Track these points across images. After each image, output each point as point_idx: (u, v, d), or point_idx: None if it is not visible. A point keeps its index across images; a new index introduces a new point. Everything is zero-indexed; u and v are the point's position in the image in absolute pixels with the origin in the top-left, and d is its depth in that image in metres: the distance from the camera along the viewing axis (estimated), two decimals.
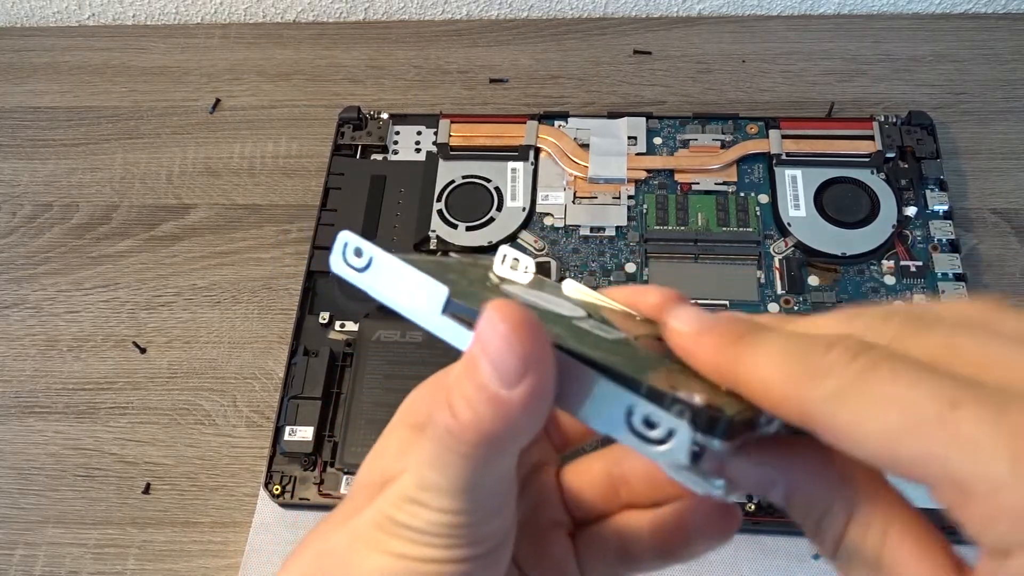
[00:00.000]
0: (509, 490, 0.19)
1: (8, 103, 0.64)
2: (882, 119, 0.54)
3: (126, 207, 0.58)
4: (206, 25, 0.68)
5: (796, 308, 0.48)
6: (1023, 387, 0.14)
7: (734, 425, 0.16)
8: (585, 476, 0.23)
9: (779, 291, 0.49)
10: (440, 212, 0.53)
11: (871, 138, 0.53)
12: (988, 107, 0.58)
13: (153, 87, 0.64)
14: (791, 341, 0.17)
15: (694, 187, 0.53)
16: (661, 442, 0.16)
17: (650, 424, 0.16)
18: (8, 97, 0.64)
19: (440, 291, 0.18)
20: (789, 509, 0.18)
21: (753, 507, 0.42)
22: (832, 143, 0.53)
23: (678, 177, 0.53)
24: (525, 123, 0.55)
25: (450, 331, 0.18)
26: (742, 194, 0.52)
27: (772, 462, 0.18)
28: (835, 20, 0.64)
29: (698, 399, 0.16)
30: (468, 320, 0.18)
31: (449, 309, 0.18)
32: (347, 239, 0.19)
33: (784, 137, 0.53)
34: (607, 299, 0.22)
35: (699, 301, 0.49)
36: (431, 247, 0.52)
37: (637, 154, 0.54)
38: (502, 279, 0.23)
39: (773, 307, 0.49)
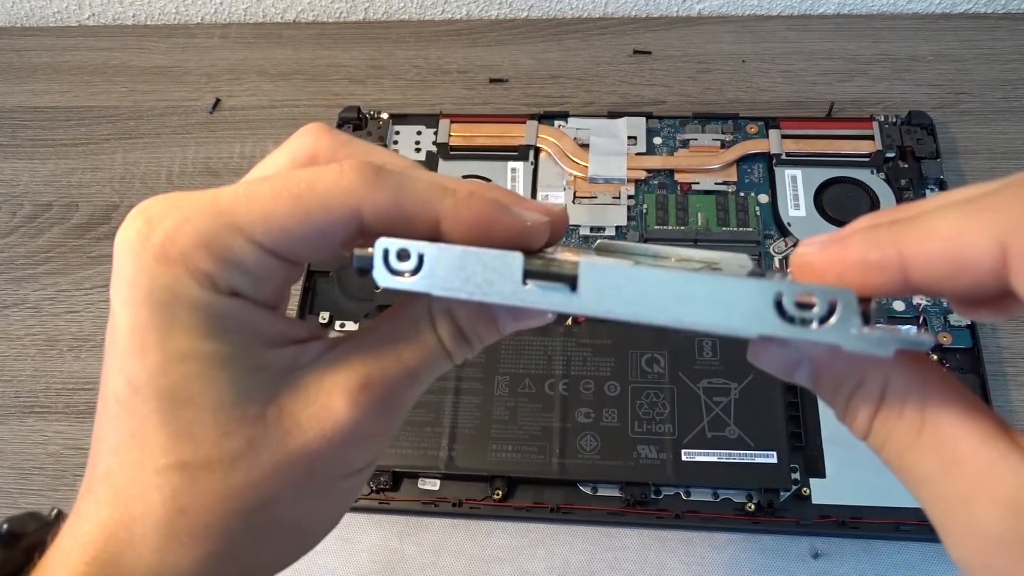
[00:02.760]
0: None
1: (8, 103, 0.64)
2: (882, 119, 0.54)
3: (126, 207, 0.58)
4: (206, 25, 0.68)
5: None
6: None
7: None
8: None
9: None
10: None
11: (871, 138, 0.53)
12: (988, 107, 0.58)
13: (153, 87, 0.64)
14: (958, 207, 0.16)
15: (694, 187, 0.53)
16: (824, 319, 0.16)
17: (805, 306, 0.16)
18: (8, 97, 0.65)
19: (512, 259, 0.17)
20: (817, 389, 0.18)
21: (753, 507, 0.42)
22: (832, 143, 0.53)
23: (678, 177, 0.53)
24: (525, 123, 0.55)
25: (535, 297, 0.17)
26: (742, 194, 0.52)
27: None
28: (835, 20, 0.64)
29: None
30: (559, 280, 0.17)
31: (530, 276, 0.17)
32: (386, 245, 0.17)
33: (784, 137, 0.53)
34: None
35: None
36: None
37: (637, 154, 0.54)
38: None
39: None
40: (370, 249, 0.18)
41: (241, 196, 0.19)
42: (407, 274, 0.18)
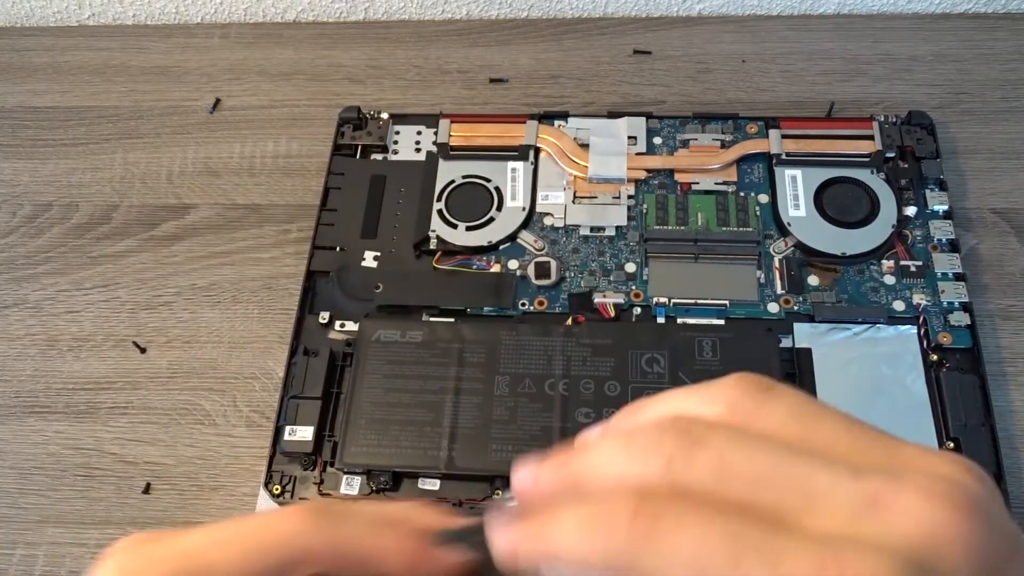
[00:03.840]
0: None
1: (8, 103, 0.64)
2: (882, 119, 0.54)
3: (126, 207, 0.58)
4: (206, 25, 0.68)
5: (796, 308, 0.48)
6: (792, 519, 0.15)
7: None
8: None
9: (779, 291, 0.49)
10: (440, 212, 0.53)
11: (871, 138, 0.53)
12: (988, 107, 0.58)
13: (153, 87, 0.64)
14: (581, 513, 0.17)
15: (694, 187, 0.53)
16: None
17: None
18: (8, 97, 0.65)
19: None
20: None
21: None
22: (832, 143, 0.53)
23: (678, 177, 0.53)
24: (525, 123, 0.55)
25: None
26: (742, 194, 0.52)
27: None
28: (835, 20, 0.64)
29: None
30: None
31: None
32: None
33: (784, 137, 0.53)
34: None
35: (699, 301, 0.49)
36: (431, 247, 0.52)
37: (637, 154, 0.54)
38: None
39: (773, 307, 0.49)
40: None
41: (200, 543, 0.20)
42: None
